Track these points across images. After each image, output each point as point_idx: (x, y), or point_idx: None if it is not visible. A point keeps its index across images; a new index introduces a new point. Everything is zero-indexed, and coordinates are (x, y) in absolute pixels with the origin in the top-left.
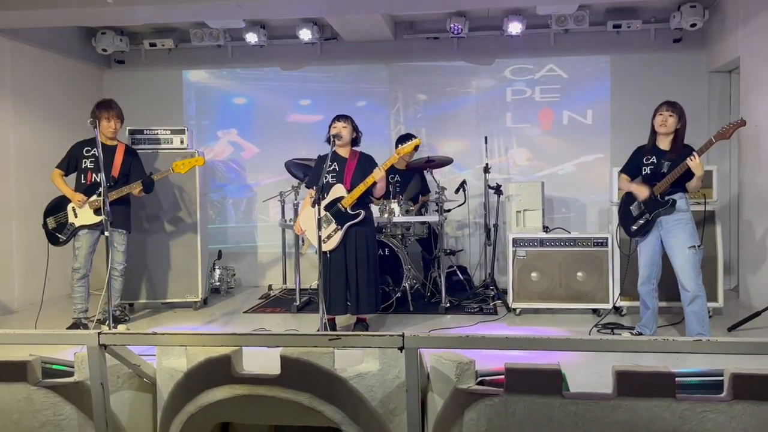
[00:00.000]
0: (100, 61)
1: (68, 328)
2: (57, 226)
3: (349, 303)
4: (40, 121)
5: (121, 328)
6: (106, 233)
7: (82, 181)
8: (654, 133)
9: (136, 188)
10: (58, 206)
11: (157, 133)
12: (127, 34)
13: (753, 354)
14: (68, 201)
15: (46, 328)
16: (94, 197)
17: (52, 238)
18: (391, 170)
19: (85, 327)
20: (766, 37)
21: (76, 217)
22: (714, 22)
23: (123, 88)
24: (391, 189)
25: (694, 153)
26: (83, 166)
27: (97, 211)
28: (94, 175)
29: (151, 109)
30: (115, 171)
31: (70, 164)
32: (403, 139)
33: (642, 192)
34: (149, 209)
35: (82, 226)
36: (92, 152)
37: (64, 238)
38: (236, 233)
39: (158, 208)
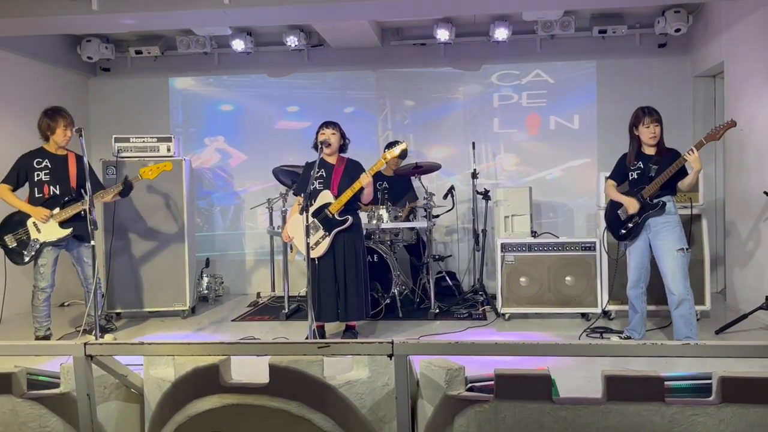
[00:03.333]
0: (85, 69)
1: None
2: (18, 244)
3: (339, 310)
4: (24, 131)
5: (107, 338)
6: (93, 242)
7: (37, 195)
8: (636, 140)
9: (112, 193)
10: (14, 222)
11: (144, 141)
12: (113, 41)
13: (741, 357)
14: (25, 216)
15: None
16: (57, 210)
17: (15, 256)
18: (378, 177)
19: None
20: (749, 42)
21: (39, 232)
22: (698, 27)
23: (109, 96)
24: (379, 195)
25: (692, 147)
26: (36, 179)
27: (63, 225)
28: (51, 187)
29: (138, 116)
30: (73, 181)
31: (19, 178)
32: (392, 146)
33: (632, 206)
34: (136, 217)
35: (47, 243)
36: (44, 164)
37: (30, 256)
38: (224, 241)
39: (145, 216)
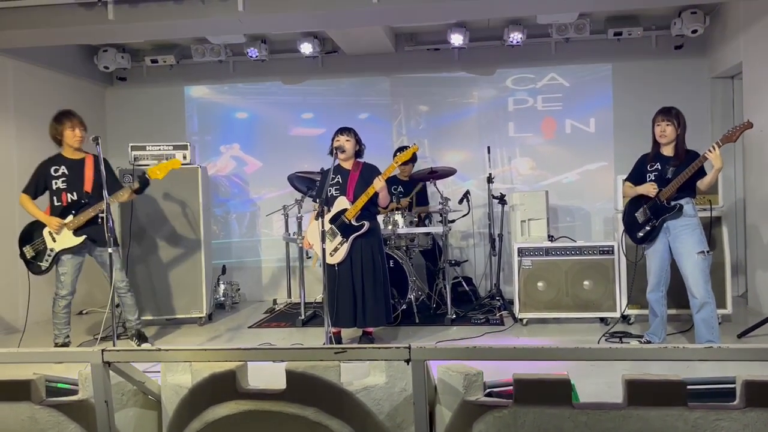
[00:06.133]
0: (102, 78)
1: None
2: (36, 254)
3: (357, 316)
4: (43, 140)
5: (145, 346)
6: (110, 250)
7: (56, 203)
8: (656, 141)
9: (124, 195)
10: (32, 232)
11: (160, 149)
12: (129, 51)
13: (765, 360)
14: (42, 225)
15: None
16: (70, 218)
17: (33, 267)
18: (394, 181)
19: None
20: (767, 42)
21: (54, 241)
22: (715, 28)
23: (125, 105)
24: (394, 200)
25: (713, 145)
26: (54, 187)
27: (77, 232)
28: (68, 195)
29: (154, 125)
30: (88, 185)
31: (38, 187)
32: (401, 151)
33: (650, 190)
34: (152, 225)
35: (64, 251)
36: (61, 171)
37: (46, 266)
38: (240, 248)
39: (161, 224)
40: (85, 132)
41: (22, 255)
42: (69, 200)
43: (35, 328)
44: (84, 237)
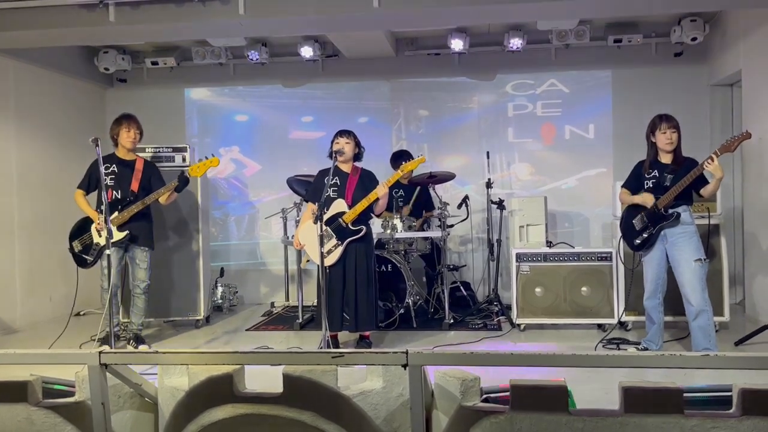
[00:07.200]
0: (102, 80)
1: (104, 342)
2: (83, 248)
3: (347, 317)
4: (42, 140)
5: (142, 349)
6: (108, 252)
7: (103, 199)
8: (653, 147)
9: (165, 193)
10: (81, 228)
11: (160, 151)
12: (129, 52)
13: (762, 369)
14: (90, 221)
15: (57, 347)
16: (115, 214)
17: (80, 260)
18: (395, 185)
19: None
20: (767, 50)
21: (100, 236)
22: (715, 35)
23: (125, 107)
24: (393, 204)
25: (711, 156)
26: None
27: (120, 228)
28: (114, 192)
29: (154, 127)
30: (135, 185)
31: (90, 183)
32: (397, 155)
33: (647, 200)
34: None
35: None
36: (111, 168)
37: (92, 260)
38: (238, 251)
39: (160, 225)
40: (140, 136)
41: (71, 249)
42: (114, 197)
43: (34, 329)
44: (126, 232)
